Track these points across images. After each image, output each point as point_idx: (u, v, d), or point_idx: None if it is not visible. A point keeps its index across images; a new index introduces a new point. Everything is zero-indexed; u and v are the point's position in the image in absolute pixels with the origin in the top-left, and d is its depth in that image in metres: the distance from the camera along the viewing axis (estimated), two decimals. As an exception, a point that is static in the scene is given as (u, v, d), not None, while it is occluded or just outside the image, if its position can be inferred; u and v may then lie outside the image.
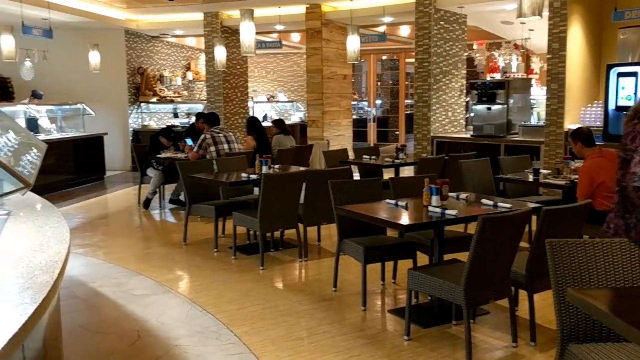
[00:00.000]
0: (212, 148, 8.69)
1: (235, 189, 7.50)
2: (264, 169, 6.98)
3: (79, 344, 4.32)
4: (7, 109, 10.39)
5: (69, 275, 5.71)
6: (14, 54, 10.00)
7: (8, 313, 2.07)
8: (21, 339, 1.97)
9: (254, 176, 6.90)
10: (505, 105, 10.00)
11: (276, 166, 7.46)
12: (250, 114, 15.31)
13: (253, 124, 9.70)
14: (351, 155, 9.95)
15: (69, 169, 11.65)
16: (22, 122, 10.34)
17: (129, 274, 6.17)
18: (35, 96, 12.34)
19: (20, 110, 11.04)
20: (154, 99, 15.13)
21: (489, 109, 10.17)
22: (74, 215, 9.30)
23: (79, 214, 9.58)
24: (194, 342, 4.38)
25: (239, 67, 14.45)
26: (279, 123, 10.46)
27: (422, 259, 5.28)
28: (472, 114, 11.07)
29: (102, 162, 12.89)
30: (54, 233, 3.28)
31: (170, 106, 15.87)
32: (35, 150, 2.98)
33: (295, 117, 18.84)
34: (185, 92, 16.70)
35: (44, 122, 11.78)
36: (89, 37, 13.12)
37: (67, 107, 12.75)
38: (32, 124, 11.26)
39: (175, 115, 16.02)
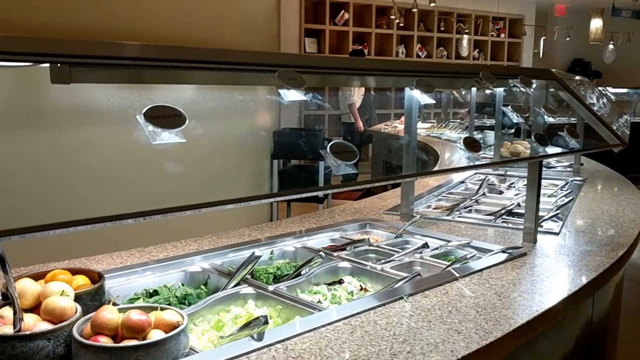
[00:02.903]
0: None
1: None
2: None
3: (630, 323, 4.22)
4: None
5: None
6: (600, 36, 10.20)
7: (591, 260, 2.21)
8: (599, 286, 2.09)
9: None
10: None
11: None
12: None
13: None
14: None
15: None
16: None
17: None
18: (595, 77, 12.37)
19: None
20: None
21: None
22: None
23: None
24: None
25: None
26: None
27: None
28: None
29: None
30: (628, 204, 3.28)
31: None
32: (626, 117, 3.06)
33: None
34: None
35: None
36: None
37: (643, 91, 12.24)
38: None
39: None
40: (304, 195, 1.64)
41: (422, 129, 7.39)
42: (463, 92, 7.08)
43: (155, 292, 1.85)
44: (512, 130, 5.94)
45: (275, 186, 5.48)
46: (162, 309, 1.45)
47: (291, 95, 1.29)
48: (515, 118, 1.96)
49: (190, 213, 1.19)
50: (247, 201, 1.25)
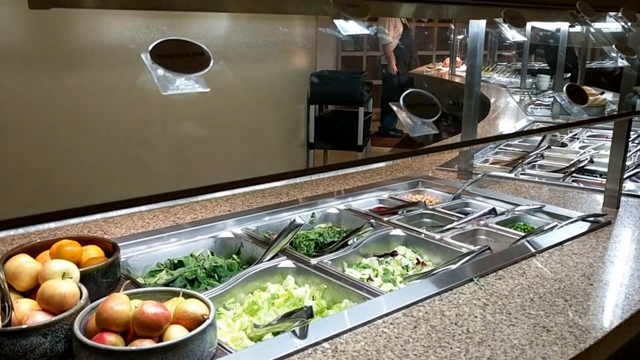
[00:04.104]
0: None
1: None
2: None
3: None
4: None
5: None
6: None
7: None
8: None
9: None
10: None
11: None
12: None
13: None
14: None
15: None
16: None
17: None
18: None
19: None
20: None
21: None
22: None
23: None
24: None
25: None
26: None
27: None
28: None
29: None
30: None
31: None
32: None
33: None
34: None
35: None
36: None
37: None
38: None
39: None
40: (347, 170, 1.32)
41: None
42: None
43: (181, 263, 1.60)
44: (568, 75, 5.45)
45: (312, 133, 5.17)
46: (185, 295, 1.19)
47: (351, 27, 0.97)
48: (620, 61, 1.60)
49: (223, 194, 0.90)
50: (285, 178, 0.95)
